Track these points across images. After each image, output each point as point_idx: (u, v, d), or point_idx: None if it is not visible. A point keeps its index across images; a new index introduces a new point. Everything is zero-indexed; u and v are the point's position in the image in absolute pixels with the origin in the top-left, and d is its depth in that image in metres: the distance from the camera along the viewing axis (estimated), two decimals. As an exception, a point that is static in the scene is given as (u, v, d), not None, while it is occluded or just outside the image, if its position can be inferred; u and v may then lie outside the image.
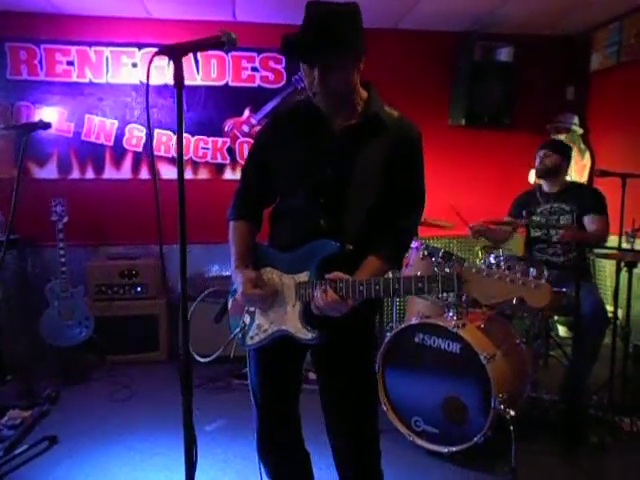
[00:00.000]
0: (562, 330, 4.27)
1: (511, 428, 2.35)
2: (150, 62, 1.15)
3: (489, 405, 2.37)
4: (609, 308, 3.00)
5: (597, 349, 2.79)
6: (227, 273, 4.48)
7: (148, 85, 1.14)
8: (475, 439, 2.38)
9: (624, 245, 2.91)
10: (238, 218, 1.69)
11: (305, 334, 1.50)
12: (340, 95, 1.48)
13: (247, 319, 1.64)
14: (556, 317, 3.63)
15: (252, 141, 4.50)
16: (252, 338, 1.62)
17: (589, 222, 3.01)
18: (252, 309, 1.63)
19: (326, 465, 2.10)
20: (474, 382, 2.42)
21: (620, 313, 2.99)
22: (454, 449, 2.44)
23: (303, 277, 1.51)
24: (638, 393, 2.92)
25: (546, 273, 1.10)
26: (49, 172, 4.00)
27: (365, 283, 1.40)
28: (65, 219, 3.52)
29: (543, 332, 2.99)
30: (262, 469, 1.78)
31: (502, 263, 1.28)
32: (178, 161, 1.22)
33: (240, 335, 1.65)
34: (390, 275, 1.47)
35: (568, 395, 2.75)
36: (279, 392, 1.70)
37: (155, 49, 1.15)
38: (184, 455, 1.28)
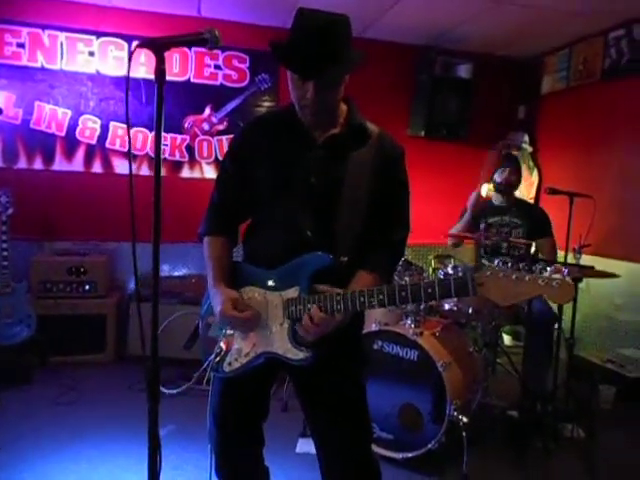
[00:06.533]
0: (507, 339, 4.45)
1: (464, 434, 2.42)
2: (131, 54, 1.11)
3: (443, 412, 2.42)
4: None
5: (549, 352, 2.92)
6: (178, 273, 4.38)
7: (128, 78, 1.09)
8: (429, 445, 2.43)
9: (570, 261, 3.07)
10: (214, 233, 1.58)
11: (296, 354, 1.39)
12: (329, 110, 1.46)
13: (224, 344, 1.50)
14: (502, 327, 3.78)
15: (211, 139, 4.45)
16: (230, 364, 1.49)
17: (541, 245, 3.24)
18: (230, 332, 1.51)
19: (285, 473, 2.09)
20: (430, 389, 2.47)
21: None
22: (409, 455, 2.48)
23: (292, 293, 1.41)
24: (579, 401, 3.09)
25: (565, 270, 1.08)
26: (-8, 160, 3.77)
27: (367, 293, 1.32)
28: (10, 211, 3.32)
29: (493, 341, 3.10)
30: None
31: (511, 263, 1.24)
32: (156, 160, 1.18)
33: (216, 362, 1.49)
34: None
35: (524, 402, 2.85)
36: (244, 418, 1.60)
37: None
38: (147, 464, 1.21)
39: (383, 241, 1.50)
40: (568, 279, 1.17)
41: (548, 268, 1.18)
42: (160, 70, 1.14)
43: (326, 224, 1.44)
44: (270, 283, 1.46)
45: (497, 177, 3.34)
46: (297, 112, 1.47)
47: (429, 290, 1.27)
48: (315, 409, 1.56)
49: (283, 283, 1.44)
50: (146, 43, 1.13)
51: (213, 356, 1.49)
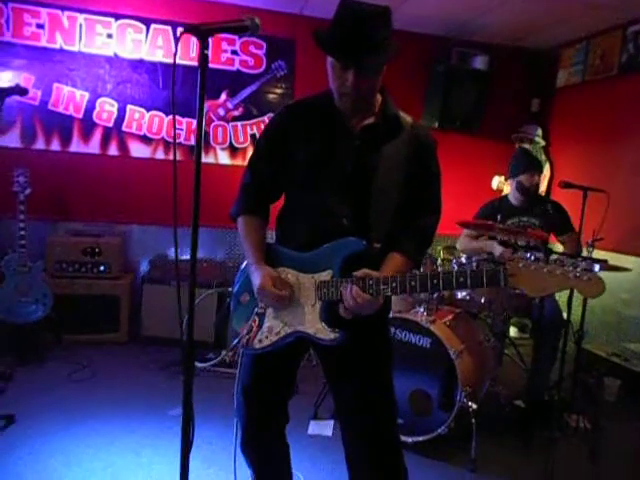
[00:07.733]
0: (513, 331, 4.49)
1: (473, 420, 2.48)
2: (177, 40, 1.14)
3: (454, 398, 2.48)
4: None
5: (556, 350, 2.96)
6: (188, 257, 4.41)
7: (175, 64, 1.12)
8: (439, 430, 2.49)
9: (583, 254, 3.09)
10: (248, 212, 1.61)
11: (327, 335, 1.43)
12: (367, 99, 1.49)
13: (255, 321, 1.55)
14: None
15: (226, 125, 4.45)
16: (261, 341, 1.53)
17: (565, 241, 3.20)
18: (261, 310, 1.55)
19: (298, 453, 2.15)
20: (441, 376, 2.52)
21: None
22: (419, 439, 2.53)
23: (325, 276, 1.46)
24: (585, 393, 3.14)
25: (597, 266, 1.08)
26: (11, 140, 3.80)
27: (399, 279, 1.36)
28: (27, 191, 3.36)
29: (502, 332, 3.14)
30: (244, 461, 1.71)
31: (543, 257, 1.26)
32: (197, 146, 1.21)
33: (246, 338, 1.55)
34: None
35: (531, 394, 2.90)
36: (274, 395, 1.65)
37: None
38: (181, 434, 1.27)
39: (413, 226, 1.54)
40: (600, 274, 1.19)
41: (582, 263, 1.20)
42: (203, 55, 1.17)
43: (360, 212, 1.48)
44: (303, 265, 1.51)
45: (524, 180, 3.21)
46: (335, 100, 1.50)
47: (461, 279, 1.31)
48: (343, 390, 1.59)
49: (316, 266, 1.48)
50: (191, 29, 1.17)
51: (245, 332, 1.55)
